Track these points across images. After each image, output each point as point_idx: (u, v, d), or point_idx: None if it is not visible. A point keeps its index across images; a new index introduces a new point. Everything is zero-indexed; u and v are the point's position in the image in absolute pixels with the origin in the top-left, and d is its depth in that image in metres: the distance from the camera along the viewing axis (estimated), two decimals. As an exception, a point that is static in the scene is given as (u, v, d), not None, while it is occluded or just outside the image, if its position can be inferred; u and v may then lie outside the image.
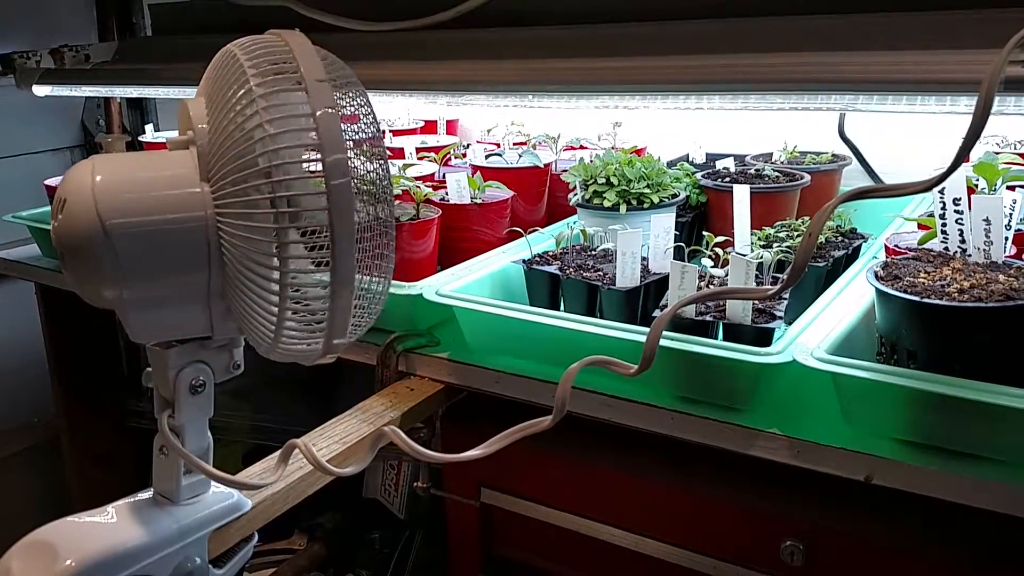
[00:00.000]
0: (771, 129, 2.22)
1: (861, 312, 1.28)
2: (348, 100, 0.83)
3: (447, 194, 1.71)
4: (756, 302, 1.21)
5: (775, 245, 1.54)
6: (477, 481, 1.59)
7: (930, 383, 1.03)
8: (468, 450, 1.15)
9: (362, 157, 0.84)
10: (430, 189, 1.62)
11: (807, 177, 1.84)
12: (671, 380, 1.27)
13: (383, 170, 0.94)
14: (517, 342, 1.39)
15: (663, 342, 1.20)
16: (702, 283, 1.30)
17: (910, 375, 1.05)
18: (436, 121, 2.38)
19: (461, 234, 1.71)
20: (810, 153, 2.09)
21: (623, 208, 1.61)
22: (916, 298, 1.06)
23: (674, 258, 1.44)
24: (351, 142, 0.82)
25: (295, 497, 1.19)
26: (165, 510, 1.03)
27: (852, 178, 2.12)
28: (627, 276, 1.37)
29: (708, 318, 1.25)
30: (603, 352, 1.20)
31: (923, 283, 1.09)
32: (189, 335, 0.92)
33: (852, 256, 1.58)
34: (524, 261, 1.53)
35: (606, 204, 1.61)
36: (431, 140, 2.27)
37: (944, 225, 1.20)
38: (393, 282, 1.52)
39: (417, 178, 1.74)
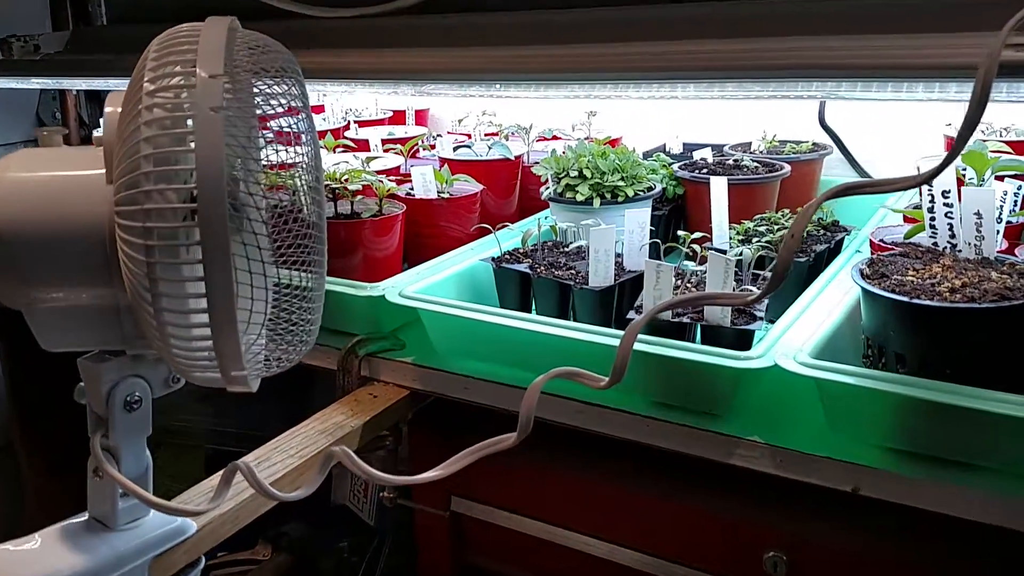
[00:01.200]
0: (750, 118, 2.15)
1: (845, 312, 1.22)
2: (277, 93, 0.75)
3: (412, 188, 1.63)
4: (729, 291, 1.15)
5: (755, 240, 1.48)
6: (446, 490, 1.52)
7: (920, 389, 0.97)
8: (437, 458, 1.08)
9: (292, 151, 0.75)
10: (394, 184, 1.54)
11: (787, 167, 1.77)
12: (647, 385, 1.20)
13: (312, 168, 0.86)
14: (485, 346, 1.32)
15: (638, 346, 1.13)
16: (679, 282, 1.23)
17: (899, 380, 0.99)
18: (405, 111, 2.29)
19: (428, 230, 1.63)
20: (790, 142, 2.02)
21: (597, 202, 1.54)
22: (905, 298, 0.99)
23: (649, 255, 1.37)
24: (270, 137, 0.74)
25: (247, 516, 1.11)
26: (100, 536, 0.95)
27: (833, 167, 2.06)
28: (600, 275, 1.30)
29: (685, 320, 1.18)
30: (575, 357, 1.13)
31: (912, 282, 1.03)
32: (102, 347, 0.84)
33: (835, 250, 1.51)
34: (493, 259, 1.46)
35: (579, 198, 1.54)
36: (399, 131, 2.19)
37: (933, 219, 1.14)
38: (354, 283, 1.45)
39: (382, 172, 1.66)
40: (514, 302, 1.45)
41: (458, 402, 1.36)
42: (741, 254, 1.28)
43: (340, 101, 2.39)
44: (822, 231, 1.54)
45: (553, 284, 1.35)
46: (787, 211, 1.62)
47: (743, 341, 1.17)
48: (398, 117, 2.31)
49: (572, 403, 1.25)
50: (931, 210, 1.13)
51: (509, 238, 1.57)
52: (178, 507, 0.96)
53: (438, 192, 1.64)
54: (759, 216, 1.65)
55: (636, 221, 1.35)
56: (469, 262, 1.52)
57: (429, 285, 1.43)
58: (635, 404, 1.20)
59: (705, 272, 1.29)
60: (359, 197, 1.56)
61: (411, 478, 0.89)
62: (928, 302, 0.98)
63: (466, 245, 1.59)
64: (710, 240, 1.50)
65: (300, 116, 0.77)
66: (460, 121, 2.30)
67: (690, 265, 1.33)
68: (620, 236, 1.38)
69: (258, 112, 0.80)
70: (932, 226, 1.14)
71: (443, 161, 1.80)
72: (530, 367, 1.28)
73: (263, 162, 0.83)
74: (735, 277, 1.22)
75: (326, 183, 1.47)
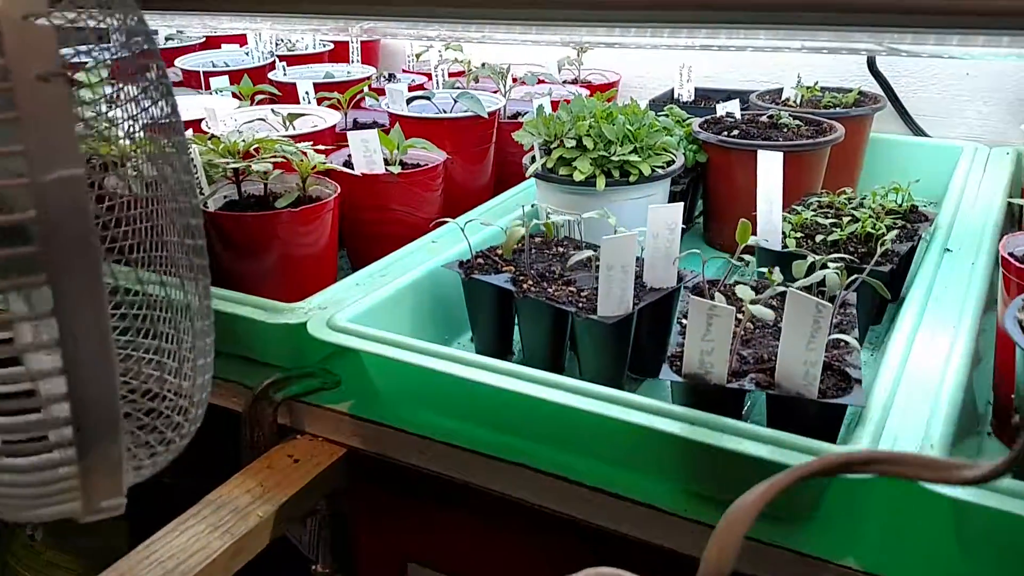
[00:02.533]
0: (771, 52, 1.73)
1: (963, 363, 0.85)
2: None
3: (352, 160, 1.21)
4: (820, 349, 0.76)
5: (819, 237, 1.09)
6: (401, 554, 1.15)
7: None
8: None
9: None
10: (322, 158, 1.12)
11: (839, 127, 1.38)
12: (685, 473, 0.83)
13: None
14: (448, 400, 0.94)
15: (670, 427, 0.76)
16: (737, 328, 0.84)
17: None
18: (348, 43, 1.83)
19: (374, 217, 1.22)
20: (830, 91, 1.62)
21: (601, 182, 1.13)
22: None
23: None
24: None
25: None
26: None
27: (883, 124, 1.67)
28: (613, 301, 0.91)
29: (747, 384, 0.80)
30: (578, 426, 0.77)
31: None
32: None
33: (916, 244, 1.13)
34: (462, 264, 1.06)
35: (577, 177, 1.14)
36: (340, 71, 1.74)
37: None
38: (264, 303, 1.04)
39: (308, 136, 1.23)
40: (491, 325, 1.06)
41: (413, 469, 0.98)
42: (820, 274, 0.89)
43: (272, 28, 1.93)
44: (900, 222, 1.15)
45: (545, 308, 0.96)
46: (848, 192, 1.23)
47: (830, 420, 0.80)
48: (340, 50, 1.85)
49: (574, 487, 0.88)
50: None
51: (481, 235, 1.16)
52: None
53: (387, 164, 1.22)
54: (810, 196, 1.26)
55: (664, 221, 0.96)
56: (429, 263, 1.12)
57: (374, 304, 1.03)
58: (668, 496, 0.83)
59: (782, 313, 0.90)
60: (277, 172, 1.14)
61: None
62: None
63: (426, 237, 1.19)
64: (752, 229, 1.11)
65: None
66: (419, 56, 1.86)
67: (749, 297, 0.94)
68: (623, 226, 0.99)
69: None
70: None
71: (394, 119, 1.37)
72: (512, 430, 0.91)
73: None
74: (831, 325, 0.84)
75: (222, 159, 1.05)
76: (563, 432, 0.88)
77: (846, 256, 0.94)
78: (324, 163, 1.10)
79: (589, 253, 0.94)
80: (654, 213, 0.95)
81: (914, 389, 0.81)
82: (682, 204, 0.96)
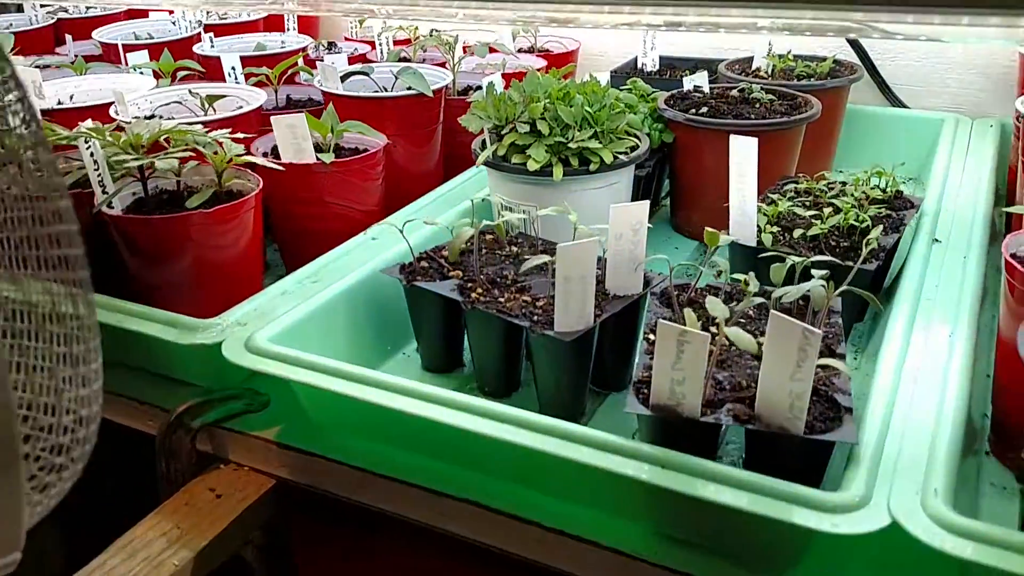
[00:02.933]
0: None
1: (961, 394, 0.75)
2: None
3: (278, 148, 1.08)
4: (807, 380, 0.66)
5: (797, 232, 0.99)
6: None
7: None
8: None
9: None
10: (240, 148, 0.98)
11: (815, 103, 1.27)
12: (652, 513, 0.74)
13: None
14: (385, 429, 0.83)
15: (628, 470, 0.66)
16: (712, 354, 0.73)
17: None
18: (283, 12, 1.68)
19: (304, 211, 1.10)
20: (803, 59, 1.51)
21: (558, 172, 1.02)
22: None
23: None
24: None
25: None
26: None
27: (860, 94, 1.57)
28: (572, 315, 0.80)
29: (723, 418, 0.70)
30: (534, 465, 0.67)
31: None
32: None
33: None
34: (402, 269, 0.94)
35: (531, 167, 1.02)
36: (274, 41, 1.59)
37: None
38: (179, 318, 0.92)
39: (231, 120, 1.10)
40: (438, 337, 0.95)
41: (351, 504, 0.87)
42: (803, 286, 0.78)
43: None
44: (886, 211, 1.06)
45: (497, 323, 0.85)
46: (827, 177, 1.13)
47: (817, 457, 0.70)
48: (276, 18, 1.70)
49: (530, 527, 0.77)
50: None
51: (421, 235, 1.04)
52: None
53: (319, 152, 1.09)
54: (785, 181, 1.16)
55: (628, 221, 0.85)
56: (368, 266, 1.00)
57: (303, 316, 0.91)
58: (636, 539, 0.74)
59: (753, 318, 0.80)
60: (193, 164, 1.00)
61: None
62: None
63: (365, 234, 1.06)
64: (723, 219, 1.01)
65: None
66: (361, 23, 1.71)
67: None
68: (584, 219, 0.88)
69: None
70: None
71: (328, 98, 1.24)
72: (458, 463, 0.81)
73: None
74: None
75: (123, 153, 0.91)
76: (515, 468, 0.78)
77: (829, 258, 0.84)
78: (241, 155, 0.96)
79: (545, 259, 0.83)
80: (617, 213, 0.84)
81: (910, 419, 0.72)
82: (648, 202, 0.85)
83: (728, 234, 1.01)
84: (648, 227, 0.87)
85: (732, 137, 0.98)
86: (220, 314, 0.91)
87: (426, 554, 0.90)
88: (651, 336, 0.81)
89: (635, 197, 1.19)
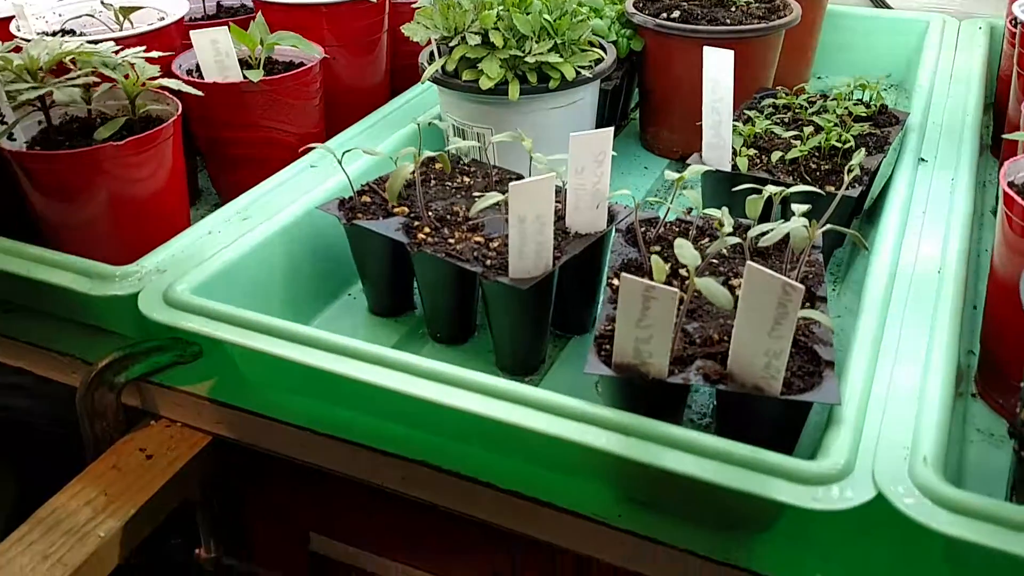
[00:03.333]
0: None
1: (950, 339, 0.69)
2: None
3: (199, 66, 0.96)
4: (786, 338, 0.59)
5: (776, 155, 0.90)
6: (300, 528, 1.00)
7: None
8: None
9: None
10: (155, 70, 0.87)
11: (795, 6, 1.17)
12: (614, 478, 0.68)
13: None
14: (326, 389, 0.76)
15: (588, 438, 0.60)
16: (681, 308, 0.66)
17: None
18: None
19: (233, 136, 0.99)
20: (782, -47, 1.39)
21: (514, 90, 0.92)
22: None
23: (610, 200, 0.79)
24: None
25: None
26: None
27: (842, -7, 1.46)
28: (528, 260, 0.72)
29: (692, 377, 0.63)
30: (486, 430, 0.61)
31: None
32: None
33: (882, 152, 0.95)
34: (342, 205, 0.85)
35: (484, 84, 0.92)
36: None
37: None
38: (91, 265, 0.81)
39: (148, 36, 0.98)
40: (384, 280, 0.87)
41: (294, 463, 0.81)
42: (783, 228, 0.70)
43: None
44: (870, 127, 0.97)
45: (446, 268, 0.77)
46: (808, 91, 1.04)
47: (794, 417, 0.64)
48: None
49: (485, 489, 0.72)
50: None
51: (361, 166, 0.94)
52: None
53: (248, 68, 0.98)
54: (763, 95, 1.07)
55: (590, 152, 0.76)
56: (307, 199, 0.91)
57: (231, 261, 0.82)
58: (598, 502, 0.68)
59: (728, 257, 0.73)
60: (106, 87, 0.89)
61: None
62: None
63: (302, 161, 0.96)
64: (697, 144, 0.92)
65: None
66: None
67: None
68: (543, 145, 0.79)
69: None
70: None
71: (257, 6, 1.11)
72: (408, 424, 0.74)
73: None
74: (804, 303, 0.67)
75: (19, 81, 0.80)
76: (466, 432, 0.71)
77: (810, 188, 0.75)
78: (156, 77, 0.85)
79: (497, 198, 0.74)
80: (577, 144, 0.75)
81: (896, 372, 0.65)
82: (611, 130, 0.76)
83: (701, 157, 0.93)
84: (613, 154, 0.78)
85: (706, 50, 0.89)
86: (139, 259, 0.82)
87: (383, 512, 0.84)
88: (614, 281, 0.73)
89: (601, 114, 1.10)
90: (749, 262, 0.58)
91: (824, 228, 0.71)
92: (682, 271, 0.74)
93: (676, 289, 0.59)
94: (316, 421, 0.77)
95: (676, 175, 0.75)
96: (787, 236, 0.72)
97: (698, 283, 0.62)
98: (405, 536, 0.89)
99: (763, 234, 0.69)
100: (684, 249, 0.65)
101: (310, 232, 0.89)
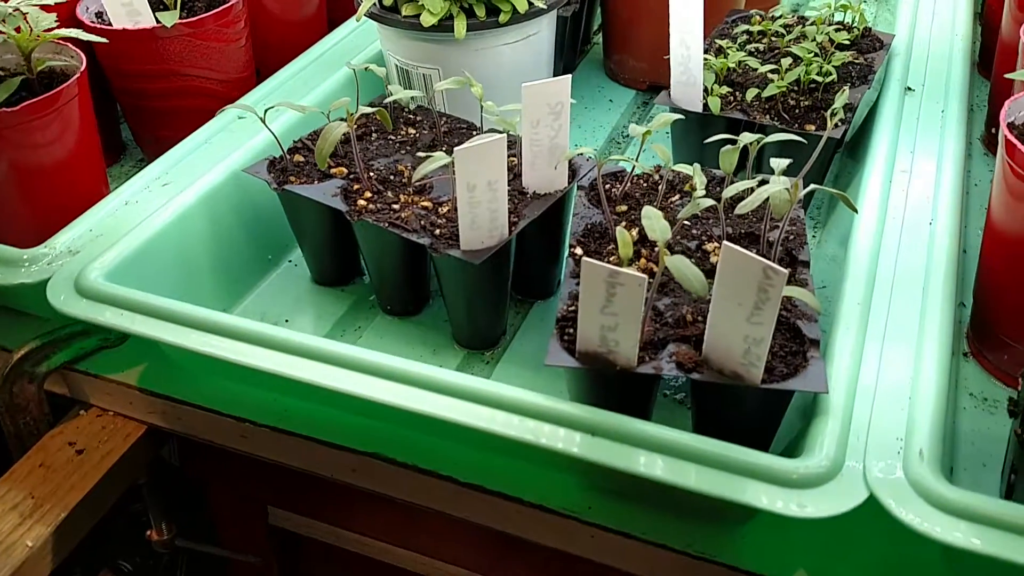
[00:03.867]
0: None
1: (944, 302, 0.63)
2: None
3: (105, 11, 0.85)
4: (768, 324, 0.53)
5: (751, 93, 0.82)
6: (259, 501, 0.95)
7: None
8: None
9: None
10: (51, 19, 0.76)
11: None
12: (580, 472, 0.62)
13: None
14: (262, 380, 0.68)
15: (550, 440, 0.54)
16: (652, 285, 0.59)
17: None
18: None
19: (150, 88, 0.89)
20: None
21: (461, 27, 0.82)
22: None
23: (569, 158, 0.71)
24: None
25: None
26: None
27: None
28: (480, 230, 0.65)
29: (664, 365, 0.57)
30: (437, 426, 0.56)
31: None
32: None
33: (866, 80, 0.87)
34: (272, 165, 0.76)
35: (427, 21, 0.82)
36: None
37: None
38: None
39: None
40: (324, 249, 0.79)
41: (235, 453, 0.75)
42: (761, 193, 0.63)
43: None
44: (852, 56, 0.89)
45: (390, 239, 0.69)
46: (784, 14, 0.95)
47: (775, 408, 0.58)
48: None
49: (445, 483, 0.66)
50: None
51: (305, 98, 0.85)
52: None
53: (163, 9, 0.87)
54: (735, 20, 0.98)
55: (546, 102, 0.67)
56: (235, 158, 0.82)
57: (149, 238, 0.73)
58: (566, 496, 0.63)
59: (701, 217, 0.66)
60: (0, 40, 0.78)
61: None
62: None
63: (227, 115, 0.86)
64: (666, 74, 0.84)
65: None
66: None
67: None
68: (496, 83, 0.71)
69: None
70: None
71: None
72: (357, 413, 0.68)
73: None
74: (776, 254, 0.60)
75: None
76: (418, 424, 0.65)
77: (790, 136, 0.68)
78: (52, 28, 0.74)
79: (443, 161, 0.66)
80: (531, 95, 0.66)
81: (887, 348, 0.60)
82: (569, 78, 0.67)
83: (669, 95, 0.85)
84: (571, 102, 0.69)
85: (673, -18, 0.79)
86: (50, 239, 0.73)
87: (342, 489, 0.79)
88: (577, 251, 0.66)
89: (560, 42, 1.00)
90: (725, 242, 0.51)
91: (809, 189, 0.63)
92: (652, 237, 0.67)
93: (643, 276, 0.52)
94: (255, 411, 0.71)
95: (641, 129, 0.67)
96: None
97: (668, 263, 0.55)
98: (367, 513, 0.85)
99: (739, 197, 0.62)
100: (653, 221, 0.58)
101: (240, 196, 0.80)
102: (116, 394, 0.77)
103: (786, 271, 0.50)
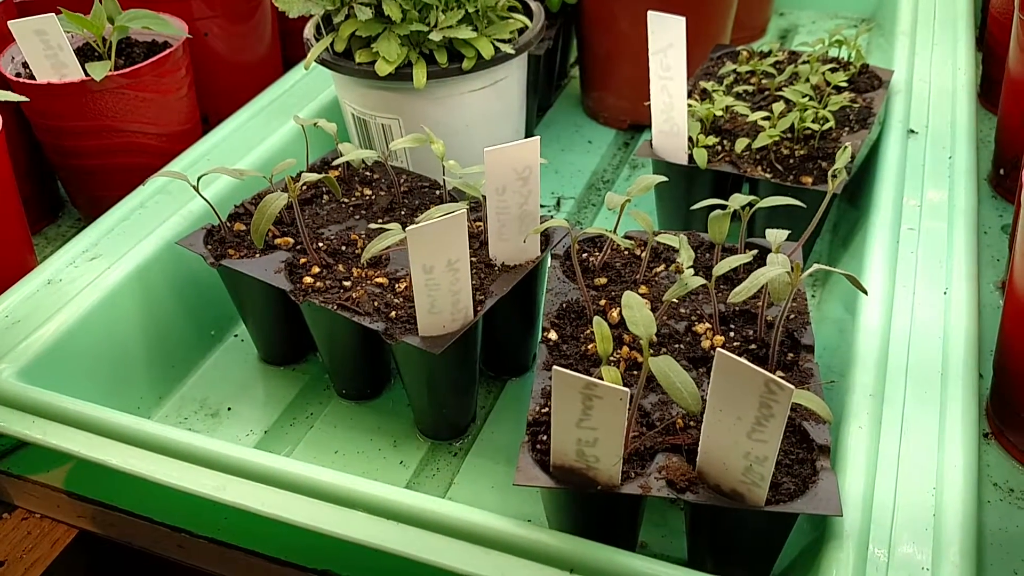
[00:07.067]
0: None
1: (966, 392, 0.56)
2: None
3: (27, 64, 0.77)
4: (773, 442, 0.45)
5: (741, 144, 0.74)
6: None
7: None
8: None
9: None
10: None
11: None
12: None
13: None
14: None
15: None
16: (635, 391, 0.51)
17: None
18: None
19: (82, 146, 0.80)
20: None
21: (420, 76, 0.74)
22: None
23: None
24: None
25: None
26: None
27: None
28: (442, 313, 0.57)
29: (653, 485, 0.49)
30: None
31: None
32: None
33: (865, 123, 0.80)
34: (209, 236, 0.68)
35: (382, 70, 0.74)
36: None
37: None
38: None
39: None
40: (268, 327, 0.71)
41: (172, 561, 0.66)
42: (759, 278, 0.55)
43: None
44: (850, 97, 0.82)
45: (341, 322, 0.61)
46: (776, 52, 0.88)
47: (780, 530, 0.50)
48: None
49: None
50: None
51: (249, 155, 0.77)
52: None
53: (93, 59, 0.79)
54: (720, 52, 0.91)
55: (512, 168, 0.59)
56: (167, 228, 0.73)
57: (80, 318, 0.65)
58: None
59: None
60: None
61: None
62: None
63: (163, 175, 0.78)
64: (646, 120, 0.76)
65: None
66: None
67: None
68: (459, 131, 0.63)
69: None
70: None
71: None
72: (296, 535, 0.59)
73: None
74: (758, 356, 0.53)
75: None
76: (367, 556, 0.57)
77: (787, 200, 0.60)
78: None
79: (396, 238, 0.58)
80: (494, 160, 0.58)
81: (906, 463, 0.52)
82: (538, 140, 0.59)
83: (651, 146, 0.77)
84: (541, 162, 0.61)
85: (651, 15, 0.72)
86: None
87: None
88: (551, 335, 0.58)
89: (535, 80, 0.93)
90: (720, 350, 0.44)
91: (813, 270, 0.56)
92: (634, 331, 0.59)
93: (624, 389, 0.44)
94: (191, 521, 0.62)
95: (619, 199, 0.59)
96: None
97: (654, 368, 0.47)
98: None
99: (733, 282, 0.54)
100: (634, 312, 0.50)
101: (176, 268, 0.72)
102: (42, 496, 0.68)
103: (791, 388, 0.42)
